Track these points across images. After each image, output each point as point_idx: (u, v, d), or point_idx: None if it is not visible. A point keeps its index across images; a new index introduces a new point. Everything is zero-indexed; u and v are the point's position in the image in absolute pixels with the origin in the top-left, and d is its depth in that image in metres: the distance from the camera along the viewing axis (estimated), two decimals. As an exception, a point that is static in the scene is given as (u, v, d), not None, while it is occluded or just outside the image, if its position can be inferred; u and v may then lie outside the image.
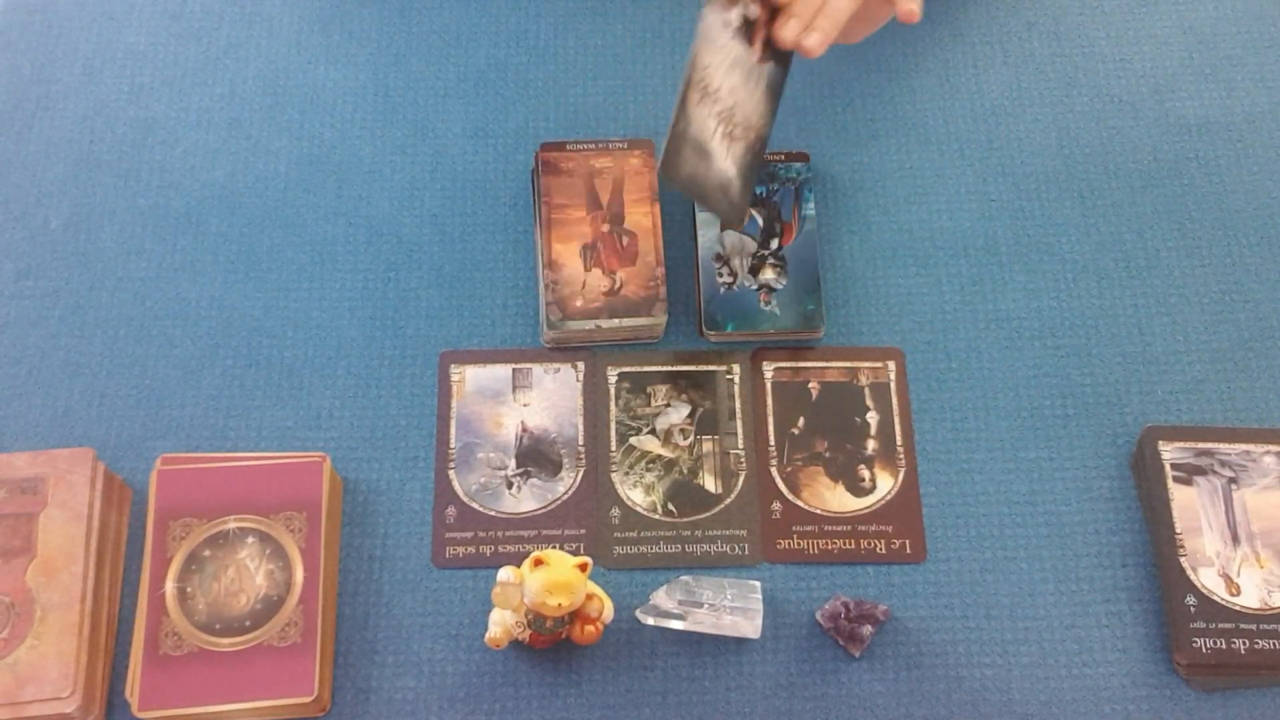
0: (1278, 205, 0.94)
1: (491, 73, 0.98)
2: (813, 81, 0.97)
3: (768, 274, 0.88)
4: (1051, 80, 0.98)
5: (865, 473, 0.84)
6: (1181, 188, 0.94)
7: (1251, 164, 0.95)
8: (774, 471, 0.84)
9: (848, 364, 0.88)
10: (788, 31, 0.80)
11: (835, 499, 0.84)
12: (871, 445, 0.85)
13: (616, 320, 0.85)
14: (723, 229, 0.89)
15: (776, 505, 0.83)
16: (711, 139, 0.78)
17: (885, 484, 0.84)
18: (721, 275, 0.88)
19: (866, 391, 0.87)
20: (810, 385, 0.87)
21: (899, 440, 0.85)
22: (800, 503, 0.83)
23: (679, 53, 0.99)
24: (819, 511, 0.83)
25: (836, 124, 0.96)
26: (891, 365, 0.88)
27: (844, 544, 0.82)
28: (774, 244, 0.89)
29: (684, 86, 0.77)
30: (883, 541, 0.82)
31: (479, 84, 0.98)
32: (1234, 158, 0.95)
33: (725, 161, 0.79)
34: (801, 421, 0.86)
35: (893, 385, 0.87)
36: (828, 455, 0.85)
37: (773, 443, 0.85)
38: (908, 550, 0.82)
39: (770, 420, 0.86)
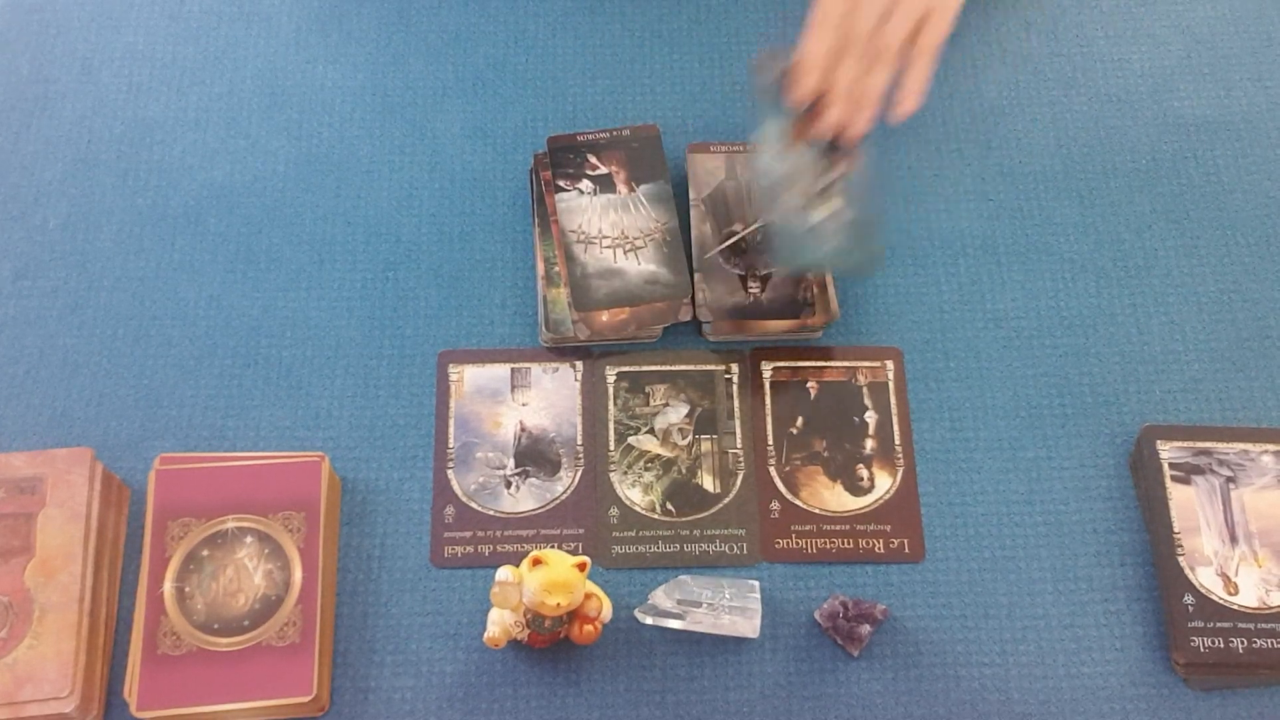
0: (1277, 205, 0.94)
1: (490, 73, 0.98)
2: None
3: (835, 204, 0.83)
4: (1050, 80, 0.98)
5: (864, 472, 0.84)
6: (1180, 187, 0.94)
7: (1250, 164, 0.95)
8: (772, 471, 0.84)
9: (846, 363, 0.88)
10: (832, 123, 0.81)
11: (834, 498, 0.84)
12: (870, 445, 0.85)
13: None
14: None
15: (775, 505, 0.83)
16: (614, 262, 0.86)
17: (884, 483, 0.84)
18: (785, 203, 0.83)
19: (865, 391, 0.87)
20: (809, 385, 0.87)
21: (897, 440, 0.85)
22: (799, 502, 0.83)
23: (678, 51, 0.99)
24: (817, 511, 0.83)
25: (835, 124, 0.96)
26: (890, 365, 0.88)
27: (842, 543, 0.82)
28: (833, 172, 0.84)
29: (561, 251, 0.87)
30: (881, 541, 0.82)
31: (478, 84, 0.98)
32: (1233, 157, 0.95)
33: (642, 265, 0.86)
34: (800, 421, 0.86)
35: (891, 385, 0.87)
36: (826, 455, 0.85)
37: (771, 442, 0.85)
38: (906, 550, 0.82)
39: (769, 420, 0.86)
